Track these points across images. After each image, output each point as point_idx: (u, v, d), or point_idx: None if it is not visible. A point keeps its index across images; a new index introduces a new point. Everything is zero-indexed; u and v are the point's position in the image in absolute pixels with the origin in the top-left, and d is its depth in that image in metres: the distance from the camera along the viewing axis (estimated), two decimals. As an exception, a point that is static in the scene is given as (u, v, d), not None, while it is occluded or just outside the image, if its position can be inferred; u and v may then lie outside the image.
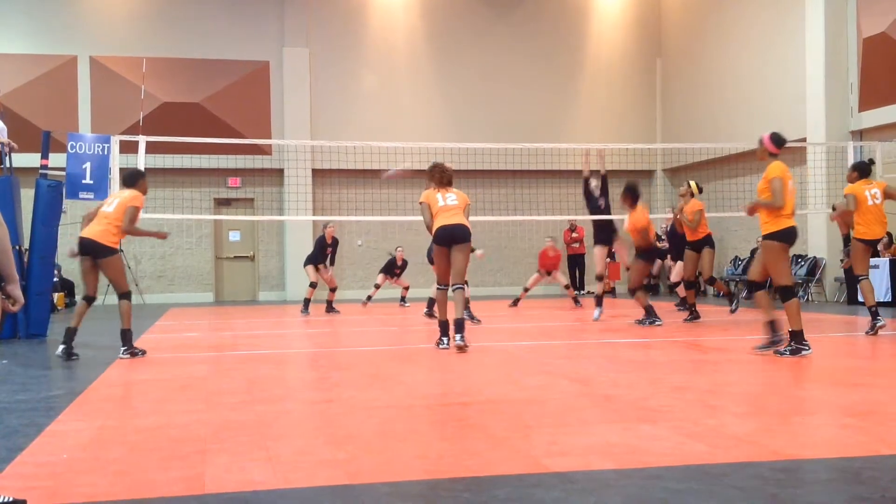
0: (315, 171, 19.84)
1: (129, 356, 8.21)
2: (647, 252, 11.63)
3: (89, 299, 8.45)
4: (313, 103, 20.66)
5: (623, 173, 21.30)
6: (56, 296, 16.02)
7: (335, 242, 15.32)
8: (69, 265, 19.28)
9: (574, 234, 20.36)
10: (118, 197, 8.47)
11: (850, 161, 14.44)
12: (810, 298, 16.62)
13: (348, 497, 3.36)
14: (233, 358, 8.42)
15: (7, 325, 10.13)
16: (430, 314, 12.70)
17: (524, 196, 20.17)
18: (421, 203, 8.87)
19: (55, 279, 16.12)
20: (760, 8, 18.66)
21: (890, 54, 15.48)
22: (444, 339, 8.61)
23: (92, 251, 8.20)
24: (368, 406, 5.40)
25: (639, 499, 3.30)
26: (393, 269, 16.65)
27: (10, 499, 3.18)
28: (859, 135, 16.24)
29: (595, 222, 12.73)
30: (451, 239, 8.58)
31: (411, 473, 3.69)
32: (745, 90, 19.01)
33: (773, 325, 7.64)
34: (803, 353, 7.46)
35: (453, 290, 8.60)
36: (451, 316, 8.54)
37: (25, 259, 10.89)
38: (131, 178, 8.59)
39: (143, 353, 8.36)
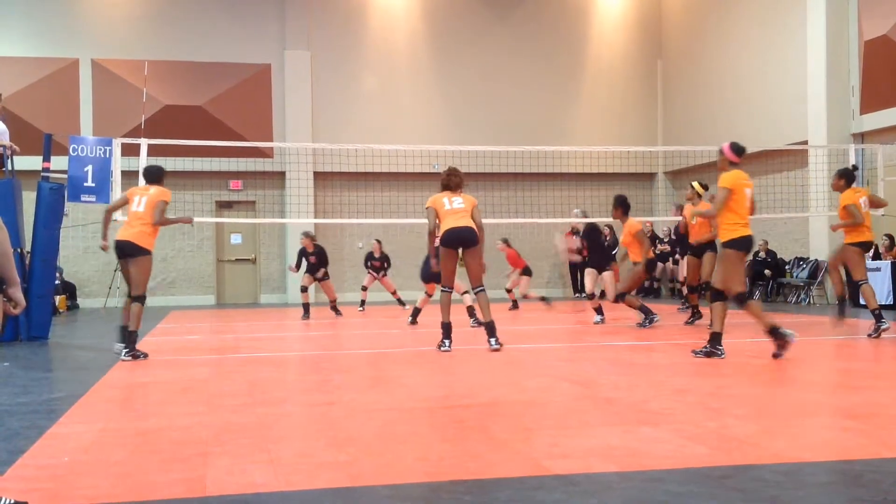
0: (316, 174, 19.85)
1: (130, 358, 8.22)
2: (645, 262, 11.61)
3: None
4: (314, 106, 20.68)
5: (624, 176, 21.35)
6: (57, 298, 16.03)
7: (318, 251, 14.96)
8: (71, 268, 19.32)
9: (575, 237, 20.34)
10: (144, 195, 8.63)
11: (852, 164, 14.46)
12: (812, 301, 16.61)
13: (349, 499, 3.36)
14: (234, 360, 8.43)
15: (8, 328, 10.14)
16: (413, 322, 12.55)
17: (525, 199, 20.19)
18: (427, 208, 8.92)
19: (57, 282, 16.12)
20: (761, 10, 18.67)
21: (891, 57, 15.48)
22: (446, 342, 8.62)
23: (129, 252, 8.47)
24: (369, 408, 5.41)
25: (640, 501, 3.30)
26: (371, 261, 16.30)
27: (12, 501, 3.19)
28: (860, 137, 16.25)
29: (588, 246, 12.79)
30: (459, 241, 8.67)
31: (412, 476, 3.69)
32: (746, 92, 19.02)
33: (718, 337, 7.77)
34: (716, 356, 7.65)
35: (476, 293, 8.80)
36: (484, 316, 8.73)
37: (27, 262, 10.89)
38: (156, 175, 8.85)
39: (145, 356, 8.36)
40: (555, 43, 21.99)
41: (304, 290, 14.89)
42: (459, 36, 21.57)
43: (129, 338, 8.34)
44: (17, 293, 3.37)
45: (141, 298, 8.45)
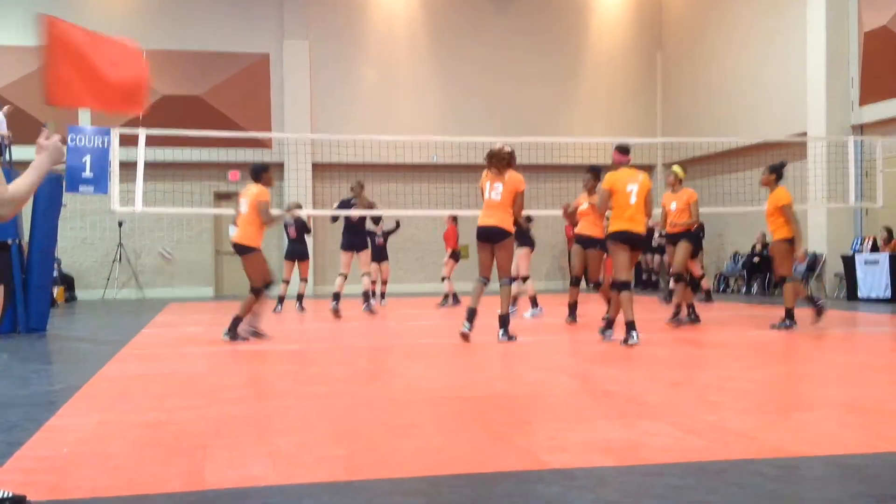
0: (315, 165, 19.83)
1: (228, 339, 9.01)
2: (595, 240, 10.97)
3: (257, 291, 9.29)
4: (313, 96, 20.63)
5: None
6: (56, 290, 16.01)
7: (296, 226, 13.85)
8: (69, 259, 19.30)
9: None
10: (246, 195, 9.22)
11: (851, 155, 14.43)
12: (810, 294, 16.61)
13: (348, 493, 3.36)
14: (233, 353, 8.42)
15: (7, 319, 10.13)
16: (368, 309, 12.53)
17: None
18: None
19: (55, 273, 16.11)
20: (761, 2, 18.63)
21: (891, 48, 15.46)
22: (467, 324, 8.65)
23: (239, 252, 9.24)
24: (369, 402, 5.41)
25: (638, 495, 3.31)
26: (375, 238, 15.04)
27: (10, 493, 3.18)
28: (860, 129, 16.23)
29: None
30: (486, 238, 8.71)
31: (411, 469, 3.69)
32: (745, 84, 18.99)
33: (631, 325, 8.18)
34: (630, 342, 8.06)
35: (500, 285, 8.76)
36: (501, 308, 8.72)
37: (25, 253, 10.87)
38: (255, 173, 9.34)
39: (263, 335, 9.13)
40: (554, 34, 21.95)
41: (287, 281, 14.05)
42: (459, 27, 21.53)
43: (231, 322, 9.09)
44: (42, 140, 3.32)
45: (256, 291, 9.15)
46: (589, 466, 3.69)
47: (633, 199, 8.26)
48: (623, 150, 8.60)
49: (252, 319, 9.23)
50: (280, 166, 20.03)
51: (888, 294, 14.28)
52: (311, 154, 19.42)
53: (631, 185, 8.30)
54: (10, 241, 9.70)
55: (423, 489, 3.44)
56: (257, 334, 9.17)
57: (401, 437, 4.35)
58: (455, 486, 3.42)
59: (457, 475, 3.58)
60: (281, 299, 13.93)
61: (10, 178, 10.66)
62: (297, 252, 14.06)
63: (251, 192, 9.18)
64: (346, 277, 12.66)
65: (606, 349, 8.38)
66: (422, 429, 4.61)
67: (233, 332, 9.08)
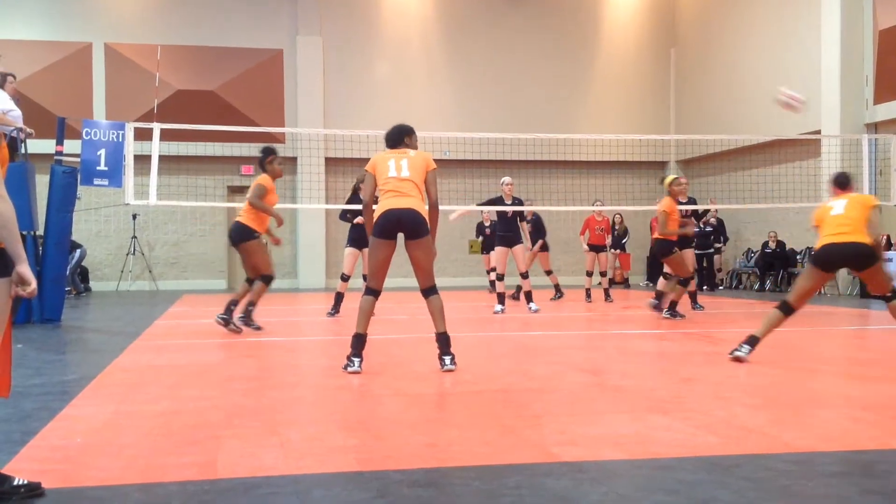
0: (328, 160, 19.87)
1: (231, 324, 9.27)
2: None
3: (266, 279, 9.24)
4: (326, 92, 20.66)
5: (636, 164, 21.28)
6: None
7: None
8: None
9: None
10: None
11: (866, 153, 14.35)
12: (822, 291, 16.54)
13: (359, 483, 3.38)
14: (245, 344, 8.46)
15: (21, 310, 10.19)
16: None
17: (536, 186, 20.12)
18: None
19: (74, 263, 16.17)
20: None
21: (907, 46, 15.36)
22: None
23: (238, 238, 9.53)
24: (379, 394, 5.43)
25: (649, 489, 3.31)
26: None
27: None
28: (874, 127, 16.15)
29: (499, 225, 12.18)
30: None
31: (422, 461, 3.70)
32: (759, 81, 18.89)
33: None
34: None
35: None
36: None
37: (40, 245, 10.94)
38: (259, 160, 10.30)
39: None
40: (568, 30, 21.91)
41: (347, 278, 11.41)
42: (471, 23, 21.51)
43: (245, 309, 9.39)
44: (26, 270, 3.23)
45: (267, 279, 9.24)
46: (599, 460, 3.70)
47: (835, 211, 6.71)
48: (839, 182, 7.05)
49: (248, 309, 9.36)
50: (293, 161, 20.10)
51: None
52: (324, 149, 19.46)
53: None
54: (24, 233, 9.77)
55: (434, 480, 3.45)
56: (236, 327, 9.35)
57: (412, 428, 4.36)
58: (465, 479, 3.43)
59: (467, 467, 3.59)
60: (339, 300, 11.40)
61: (24, 171, 10.68)
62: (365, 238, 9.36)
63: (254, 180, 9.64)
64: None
65: (617, 345, 8.37)
66: (433, 421, 4.63)
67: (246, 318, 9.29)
